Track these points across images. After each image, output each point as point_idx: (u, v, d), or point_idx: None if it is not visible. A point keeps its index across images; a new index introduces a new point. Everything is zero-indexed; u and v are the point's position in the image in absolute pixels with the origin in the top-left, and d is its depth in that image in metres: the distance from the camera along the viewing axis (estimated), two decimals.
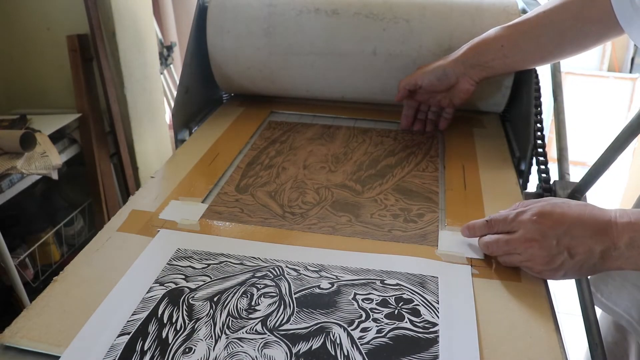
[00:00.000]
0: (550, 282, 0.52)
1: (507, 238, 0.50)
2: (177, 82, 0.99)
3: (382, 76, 0.84)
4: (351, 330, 0.45)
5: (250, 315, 0.47)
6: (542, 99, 0.79)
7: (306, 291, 0.49)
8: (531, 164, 0.74)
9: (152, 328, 0.45)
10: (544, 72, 0.85)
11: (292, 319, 0.46)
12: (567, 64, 2.80)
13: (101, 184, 1.42)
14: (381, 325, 0.45)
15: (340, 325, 0.45)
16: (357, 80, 0.86)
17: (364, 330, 0.45)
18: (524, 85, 0.79)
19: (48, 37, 1.34)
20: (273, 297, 0.49)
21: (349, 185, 0.68)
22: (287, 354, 0.43)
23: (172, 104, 1.37)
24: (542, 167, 0.69)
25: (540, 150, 0.72)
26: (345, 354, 0.43)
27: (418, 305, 0.48)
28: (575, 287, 0.67)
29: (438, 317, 0.46)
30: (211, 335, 0.44)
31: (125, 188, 1.51)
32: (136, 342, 0.44)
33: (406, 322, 0.46)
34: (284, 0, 0.85)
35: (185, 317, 0.46)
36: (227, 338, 0.44)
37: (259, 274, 0.52)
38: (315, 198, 0.65)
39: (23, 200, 1.25)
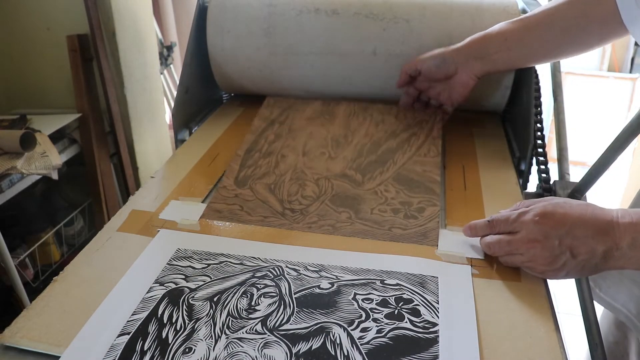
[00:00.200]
0: (550, 282, 0.52)
1: (509, 239, 0.50)
2: (177, 82, 0.99)
3: (382, 76, 0.84)
4: (351, 330, 0.45)
5: (250, 315, 0.47)
6: (542, 99, 0.79)
7: (306, 291, 0.49)
8: (531, 164, 0.74)
9: (152, 328, 0.45)
10: (544, 72, 0.85)
11: (292, 319, 0.46)
12: (567, 64, 2.80)
13: (101, 184, 1.42)
14: (381, 325, 0.45)
15: (340, 325, 0.45)
16: (357, 80, 0.86)
17: (364, 330, 0.45)
18: (524, 85, 0.79)
19: (48, 37, 1.34)
20: (273, 297, 0.49)
21: (349, 174, 0.67)
22: (287, 354, 0.43)
23: (172, 104, 1.37)
24: (542, 167, 0.69)
25: (540, 150, 0.72)
26: (345, 354, 0.43)
27: (418, 305, 0.48)
28: (575, 287, 0.67)
29: (438, 317, 0.46)
30: (211, 335, 0.44)
31: (125, 188, 1.51)
32: (136, 342, 0.44)
33: (406, 322, 0.46)
34: (284, 0, 0.85)
35: (185, 317, 0.46)
36: (227, 338, 0.44)
37: (259, 274, 0.52)
38: (314, 191, 0.64)
39: (23, 200, 1.25)
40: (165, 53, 1.86)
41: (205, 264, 0.53)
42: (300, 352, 0.43)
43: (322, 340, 0.44)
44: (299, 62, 0.85)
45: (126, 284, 0.51)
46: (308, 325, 0.45)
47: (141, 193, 0.67)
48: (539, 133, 0.73)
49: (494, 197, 0.65)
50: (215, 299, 0.48)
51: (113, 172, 1.48)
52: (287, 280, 0.51)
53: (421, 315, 0.46)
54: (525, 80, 0.79)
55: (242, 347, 0.43)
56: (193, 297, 0.49)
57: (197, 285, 0.50)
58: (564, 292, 1.06)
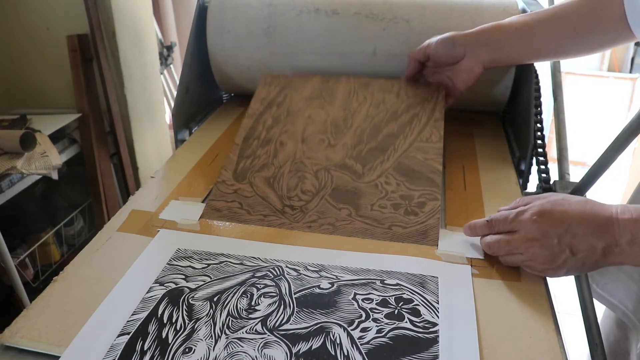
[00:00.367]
0: (550, 282, 0.52)
1: (508, 238, 0.50)
2: (177, 82, 0.99)
3: (382, 76, 0.84)
4: (351, 330, 0.45)
5: (250, 315, 0.47)
6: (542, 99, 0.79)
7: (306, 291, 0.49)
8: (531, 164, 0.74)
9: (152, 328, 0.45)
10: (544, 72, 0.85)
11: (292, 319, 0.46)
12: (567, 64, 2.80)
13: (101, 184, 1.42)
14: (381, 325, 0.45)
15: (340, 325, 0.45)
16: None
17: (364, 330, 0.45)
18: (524, 85, 0.79)
19: (48, 37, 1.34)
20: (273, 297, 0.49)
21: (349, 165, 0.65)
22: (287, 354, 0.43)
23: (172, 104, 1.37)
24: (542, 167, 0.69)
25: (540, 150, 0.72)
26: (345, 354, 0.43)
27: (418, 305, 0.48)
28: (575, 286, 0.67)
29: (438, 317, 0.46)
30: (211, 335, 0.44)
31: (125, 188, 1.51)
32: (136, 342, 0.44)
33: (406, 322, 0.46)
34: (284, 0, 0.85)
35: (185, 317, 0.46)
36: (227, 338, 0.44)
37: (259, 274, 0.52)
38: (314, 185, 0.63)
39: (23, 200, 1.25)
40: (165, 53, 1.86)
41: (205, 264, 0.53)
42: (300, 352, 0.43)
43: (322, 340, 0.44)
44: (299, 62, 0.85)
45: (126, 284, 0.51)
46: (308, 325, 0.45)
47: (141, 193, 0.67)
48: (539, 133, 0.73)
49: (494, 197, 0.65)
50: (215, 299, 0.48)
51: (113, 172, 1.48)
52: (287, 280, 0.51)
53: (421, 315, 0.46)
54: (525, 80, 0.79)
55: (242, 347, 0.43)
56: (193, 297, 0.49)
57: (197, 285, 0.50)
58: (564, 292, 1.06)
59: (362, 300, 0.48)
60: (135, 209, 0.63)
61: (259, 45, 0.85)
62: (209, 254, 0.55)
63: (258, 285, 0.50)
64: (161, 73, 1.77)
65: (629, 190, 2.15)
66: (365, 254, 0.55)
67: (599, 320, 0.75)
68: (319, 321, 0.46)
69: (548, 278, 0.53)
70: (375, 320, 0.46)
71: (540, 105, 0.77)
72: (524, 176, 0.74)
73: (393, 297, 0.48)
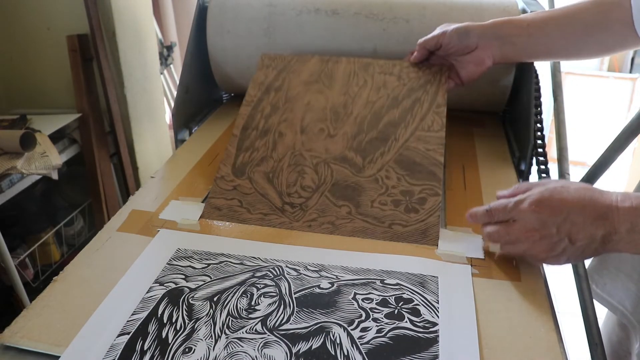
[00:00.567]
0: (550, 282, 0.53)
1: (508, 229, 0.50)
2: (177, 82, 0.99)
3: None
4: (351, 330, 0.45)
5: (250, 315, 0.47)
6: (542, 99, 0.79)
7: (306, 291, 0.49)
8: (531, 164, 0.74)
9: (152, 328, 0.45)
10: (544, 72, 0.85)
11: (292, 318, 0.46)
12: (567, 63, 2.80)
13: (101, 184, 1.42)
14: (381, 325, 0.45)
15: (340, 325, 0.45)
16: None
17: (364, 330, 0.45)
18: (524, 85, 0.79)
19: (48, 37, 1.34)
20: (273, 296, 0.49)
21: (349, 157, 0.64)
22: (287, 353, 0.43)
23: (172, 104, 1.37)
24: (542, 167, 0.69)
25: (540, 150, 0.72)
26: (345, 353, 0.43)
27: (418, 305, 0.48)
28: (575, 287, 0.67)
29: (438, 316, 0.46)
30: (211, 335, 0.44)
31: (125, 188, 1.51)
32: (136, 342, 0.44)
33: (406, 321, 0.46)
34: (284, 0, 0.85)
35: (185, 317, 0.46)
36: (227, 338, 0.44)
37: (259, 274, 0.52)
38: (314, 180, 0.62)
39: (23, 200, 1.25)
40: (165, 53, 1.86)
41: (205, 263, 0.53)
42: (300, 351, 0.43)
43: (322, 340, 0.44)
44: None
45: (126, 284, 0.51)
46: (308, 325, 0.45)
47: (141, 193, 0.67)
48: (539, 133, 0.73)
49: (493, 197, 0.65)
50: (215, 299, 0.48)
51: (113, 172, 1.48)
52: (287, 280, 0.51)
53: (421, 315, 0.46)
54: (525, 80, 0.79)
55: (242, 346, 0.43)
56: (193, 297, 0.49)
57: (197, 285, 0.50)
58: (564, 292, 1.06)
59: (362, 300, 0.48)
60: (135, 209, 0.63)
61: (259, 45, 0.85)
62: (209, 254, 0.55)
63: (258, 285, 0.50)
64: (161, 73, 1.77)
65: (629, 190, 2.15)
66: (365, 254, 0.55)
67: (602, 320, 0.75)
68: (319, 321, 0.46)
69: (548, 278, 0.53)
70: (375, 320, 0.46)
71: (540, 105, 0.77)
72: (524, 176, 0.74)
73: (393, 296, 0.48)
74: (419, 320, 0.46)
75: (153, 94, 1.57)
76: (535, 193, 0.49)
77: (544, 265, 0.54)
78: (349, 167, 0.63)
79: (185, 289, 0.50)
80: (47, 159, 1.12)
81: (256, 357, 0.42)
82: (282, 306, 0.48)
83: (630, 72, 2.90)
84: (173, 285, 0.50)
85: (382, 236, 0.57)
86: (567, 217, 0.47)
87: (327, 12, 0.83)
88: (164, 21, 2.07)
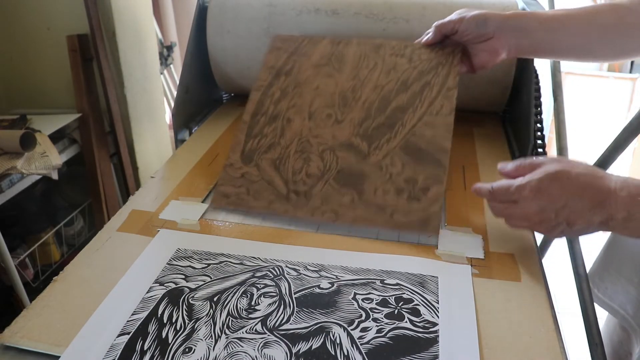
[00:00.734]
0: (550, 282, 0.53)
1: (510, 209, 0.52)
2: (177, 82, 0.99)
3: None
4: (351, 330, 0.45)
5: (250, 315, 0.47)
6: (542, 99, 0.79)
7: (306, 291, 0.49)
8: None
9: (152, 328, 0.45)
10: (544, 72, 0.85)
11: (292, 318, 0.46)
12: (567, 63, 2.79)
13: (101, 184, 1.42)
14: (381, 325, 0.45)
15: (340, 325, 0.45)
16: None
17: (364, 330, 0.45)
18: (524, 85, 0.79)
19: (48, 37, 1.34)
20: (273, 297, 0.49)
21: (355, 144, 0.63)
22: (287, 353, 0.43)
23: (172, 104, 1.37)
24: None
25: (540, 150, 0.72)
26: (345, 353, 0.43)
27: (418, 305, 0.48)
28: (575, 287, 0.67)
29: (438, 317, 0.46)
30: (211, 335, 0.44)
31: (125, 188, 1.51)
32: (136, 342, 0.44)
33: (406, 321, 0.46)
34: (284, 0, 0.85)
35: (185, 317, 0.46)
36: (227, 338, 0.44)
37: (259, 274, 0.52)
38: (319, 167, 0.62)
39: (23, 200, 1.25)
40: (165, 53, 1.86)
41: (205, 263, 0.53)
42: (300, 351, 0.43)
43: (322, 340, 0.44)
44: None
45: (126, 284, 0.51)
46: (308, 325, 0.45)
47: (141, 193, 0.67)
48: (539, 133, 0.73)
49: None
50: (215, 299, 0.48)
51: (113, 172, 1.48)
52: (287, 280, 0.51)
53: (421, 315, 0.46)
54: (525, 80, 0.79)
55: (242, 346, 0.43)
56: (193, 297, 0.49)
57: (197, 285, 0.50)
58: (564, 292, 1.06)
59: (362, 300, 0.48)
60: (135, 209, 0.63)
61: (259, 45, 0.85)
62: (209, 254, 0.55)
63: (258, 285, 0.50)
64: (161, 73, 1.77)
65: None
66: (365, 254, 0.55)
67: (604, 321, 0.75)
68: (319, 321, 0.46)
69: (548, 278, 0.53)
70: (375, 320, 0.46)
71: (540, 105, 0.78)
72: None
73: (393, 297, 0.48)
74: (419, 320, 0.46)
75: (153, 94, 1.57)
76: (535, 179, 0.49)
77: (544, 268, 0.54)
78: (354, 154, 0.63)
79: (185, 289, 0.50)
80: (47, 159, 1.12)
81: (256, 357, 0.42)
82: (282, 306, 0.48)
83: (630, 72, 2.90)
84: (173, 285, 0.50)
85: (383, 225, 0.57)
86: (566, 204, 0.48)
87: (327, 12, 0.83)
88: (164, 21, 2.07)
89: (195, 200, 0.65)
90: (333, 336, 0.44)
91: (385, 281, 0.50)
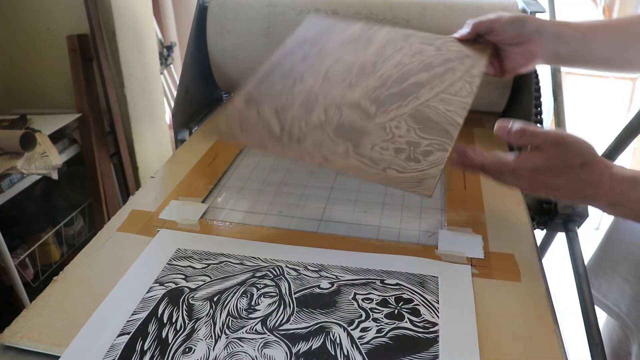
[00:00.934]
0: (550, 282, 0.52)
1: (501, 176, 0.52)
2: (177, 82, 0.99)
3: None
4: (351, 330, 0.45)
5: (250, 315, 0.47)
6: (542, 99, 0.79)
7: (306, 291, 0.49)
8: None
9: (152, 328, 0.45)
10: (544, 72, 0.85)
11: (292, 318, 0.46)
12: None
13: (101, 184, 1.42)
14: (381, 325, 0.45)
15: (340, 325, 0.45)
16: None
17: (364, 330, 0.45)
18: (524, 85, 0.79)
19: (48, 37, 1.34)
20: (273, 297, 0.49)
21: (363, 105, 0.60)
22: (287, 353, 0.43)
23: (172, 104, 1.37)
24: None
25: None
26: (345, 353, 0.43)
27: (418, 305, 0.48)
28: (575, 287, 0.67)
29: (438, 317, 0.46)
30: (211, 335, 0.44)
31: (125, 188, 1.51)
32: (136, 342, 0.44)
33: (406, 322, 0.46)
34: (284, 0, 0.85)
35: (185, 317, 0.46)
36: (227, 338, 0.44)
37: (259, 274, 0.52)
38: (320, 118, 0.59)
39: (23, 200, 1.25)
40: (165, 53, 1.86)
41: (205, 263, 0.53)
42: (300, 352, 0.43)
43: (322, 340, 0.44)
44: None
45: (126, 284, 0.51)
46: (308, 325, 0.45)
47: (141, 193, 0.67)
48: None
49: (494, 197, 0.65)
50: (215, 299, 0.48)
51: (113, 172, 1.48)
52: (287, 280, 0.51)
53: (421, 315, 0.46)
54: (525, 80, 0.79)
55: (242, 347, 0.43)
56: (193, 297, 0.49)
57: (197, 285, 0.50)
58: (564, 292, 1.06)
59: (362, 300, 0.48)
60: (135, 209, 0.63)
61: (259, 45, 0.85)
62: (209, 253, 0.55)
63: (258, 285, 0.50)
64: (161, 73, 1.77)
65: None
66: (365, 254, 0.55)
67: (604, 320, 0.75)
68: (319, 321, 0.46)
69: (548, 278, 0.53)
70: (375, 320, 0.46)
71: (540, 105, 0.78)
72: None
73: (393, 297, 0.48)
74: (419, 321, 0.46)
75: (153, 94, 1.57)
76: (528, 169, 0.49)
77: (544, 268, 0.54)
78: (359, 113, 0.59)
79: (185, 289, 0.50)
80: (47, 159, 1.12)
81: (256, 357, 0.42)
82: (282, 306, 0.48)
83: None
84: (173, 285, 0.50)
85: (373, 178, 0.52)
86: (555, 191, 0.49)
87: (327, 12, 0.83)
88: (164, 21, 2.07)
89: (195, 200, 0.65)
90: (333, 336, 0.44)
91: (385, 281, 0.50)
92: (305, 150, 0.56)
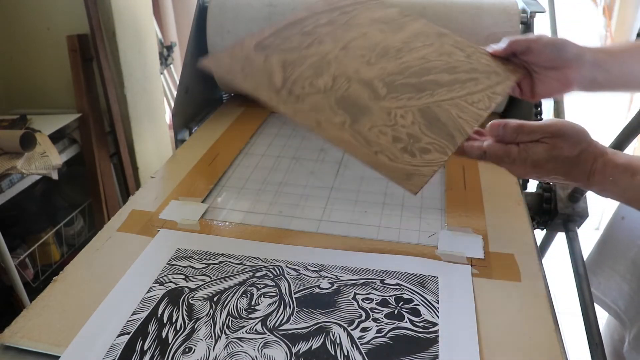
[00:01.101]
0: (550, 282, 0.52)
1: (500, 165, 0.52)
2: (177, 82, 0.99)
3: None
4: (351, 330, 0.45)
5: (250, 315, 0.47)
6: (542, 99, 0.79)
7: (306, 291, 0.49)
8: None
9: (152, 328, 0.45)
10: None
11: (292, 318, 0.46)
12: None
13: (101, 184, 1.42)
14: (381, 325, 0.45)
15: (340, 325, 0.45)
16: None
17: (364, 330, 0.45)
18: None
19: (48, 37, 1.34)
20: (273, 297, 0.49)
21: (375, 85, 0.56)
22: (287, 353, 0.43)
23: (172, 104, 1.37)
24: None
25: None
26: (345, 353, 0.43)
27: (418, 305, 0.48)
28: (575, 287, 0.67)
29: (438, 317, 0.46)
30: (211, 335, 0.44)
31: (125, 188, 1.51)
32: (136, 342, 0.44)
33: (406, 322, 0.46)
34: (284, 0, 0.85)
35: (185, 317, 0.46)
36: (227, 338, 0.44)
37: (258, 274, 0.52)
38: (326, 85, 0.56)
39: (23, 200, 1.25)
40: (165, 53, 1.86)
41: (205, 263, 0.53)
42: (300, 351, 0.43)
43: (322, 340, 0.44)
44: None
45: (126, 284, 0.51)
46: (308, 325, 0.45)
47: (141, 193, 0.67)
48: None
49: (494, 197, 0.65)
50: (215, 299, 0.48)
51: (113, 172, 1.48)
52: (287, 280, 0.51)
53: (421, 315, 0.46)
54: None
55: (242, 346, 0.43)
56: (193, 297, 0.49)
57: (197, 285, 0.50)
58: (564, 292, 1.06)
59: (362, 300, 0.48)
60: (135, 209, 0.63)
61: None
62: (209, 253, 0.55)
63: (258, 285, 0.50)
64: (161, 73, 1.77)
65: None
66: (365, 254, 0.55)
67: (606, 319, 0.76)
68: (319, 321, 0.46)
69: (548, 278, 0.53)
70: (375, 320, 0.46)
71: (540, 105, 0.78)
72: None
73: (393, 297, 0.48)
74: (419, 320, 0.46)
75: (153, 94, 1.57)
76: (532, 159, 0.49)
77: (544, 268, 0.54)
78: (368, 92, 0.56)
79: (185, 289, 0.50)
80: (47, 159, 1.12)
81: (256, 357, 0.42)
82: (282, 306, 0.48)
83: None
84: (173, 285, 0.50)
85: (361, 157, 0.50)
86: (552, 178, 0.50)
87: None
88: (164, 21, 2.07)
89: (195, 200, 0.65)
90: (333, 336, 0.44)
91: (385, 281, 0.50)
92: (300, 110, 0.53)
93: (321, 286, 0.50)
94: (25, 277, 1.25)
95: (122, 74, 1.39)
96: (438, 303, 0.48)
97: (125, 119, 1.45)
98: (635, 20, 2.86)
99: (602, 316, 0.65)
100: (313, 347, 0.43)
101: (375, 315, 0.46)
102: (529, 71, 0.63)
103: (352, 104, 0.54)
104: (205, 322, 0.46)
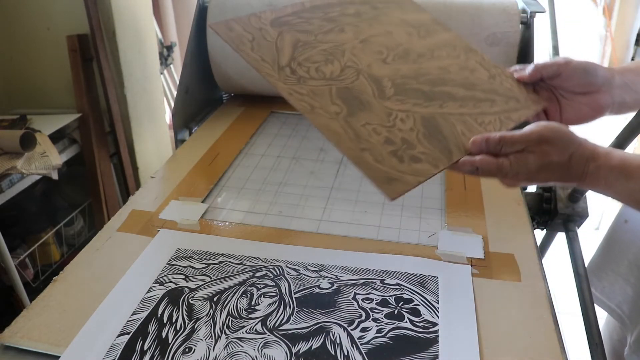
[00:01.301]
0: (550, 282, 0.52)
1: (488, 170, 0.50)
2: (177, 82, 0.99)
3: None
4: (351, 330, 0.45)
5: (250, 315, 0.47)
6: None
7: (306, 291, 0.49)
8: None
9: (152, 328, 0.45)
10: None
11: (292, 318, 0.46)
12: None
13: (101, 184, 1.42)
14: (381, 325, 0.45)
15: (340, 325, 0.45)
16: None
17: (364, 330, 0.45)
18: None
19: (48, 37, 1.34)
20: (273, 297, 0.49)
21: (383, 84, 0.54)
22: (287, 353, 0.43)
23: (172, 104, 1.37)
24: None
25: None
26: (345, 353, 0.43)
27: (418, 305, 0.48)
28: (575, 287, 0.67)
29: (438, 317, 0.46)
30: (211, 335, 0.44)
31: (125, 188, 1.51)
32: (136, 342, 0.44)
33: (406, 321, 0.46)
34: (284, 0, 0.85)
35: (185, 317, 0.46)
36: (227, 338, 0.44)
37: (259, 274, 0.52)
38: (332, 73, 0.54)
39: (23, 200, 1.25)
40: (165, 53, 1.86)
41: (205, 263, 0.53)
42: (300, 351, 0.43)
43: (322, 340, 0.44)
44: None
45: (126, 284, 0.51)
46: (308, 325, 0.45)
47: (141, 193, 0.67)
48: None
49: (494, 197, 0.65)
50: (215, 299, 0.48)
51: (113, 172, 1.48)
52: (287, 280, 0.51)
53: (421, 315, 0.46)
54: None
55: (242, 346, 0.43)
56: (193, 297, 0.49)
57: (197, 285, 0.50)
58: (564, 292, 1.06)
59: (362, 300, 0.48)
60: (135, 209, 0.63)
61: None
62: (209, 254, 0.55)
63: (258, 285, 0.50)
64: (161, 73, 1.77)
65: None
66: (365, 254, 0.55)
67: (605, 319, 0.75)
68: (319, 321, 0.46)
69: (548, 278, 0.53)
70: (375, 320, 0.46)
71: None
72: None
73: (393, 297, 0.48)
74: (419, 321, 0.46)
75: (153, 94, 1.57)
76: (524, 170, 0.48)
77: (544, 268, 0.54)
78: (374, 88, 0.54)
79: (185, 289, 0.50)
80: (47, 159, 1.12)
81: (256, 357, 0.42)
82: (282, 306, 0.48)
83: None
84: (173, 285, 0.50)
85: (346, 150, 0.48)
86: (546, 183, 0.52)
87: None
88: (164, 21, 2.07)
89: (195, 200, 0.65)
90: (333, 336, 0.44)
91: (385, 281, 0.50)
92: (296, 91, 0.51)
93: (321, 286, 0.50)
94: (25, 277, 1.25)
95: (122, 74, 1.39)
96: (438, 303, 0.48)
97: (125, 119, 1.45)
98: (635, 20, 2.86)
99: (602, 316, 0.65)
100: (313, 347, 0.43)
101: (375, 315, 0.46)
102: (557, 97, 0.59)
103: (353, 97, 0.52)
104: (205, 322, 0.46)
